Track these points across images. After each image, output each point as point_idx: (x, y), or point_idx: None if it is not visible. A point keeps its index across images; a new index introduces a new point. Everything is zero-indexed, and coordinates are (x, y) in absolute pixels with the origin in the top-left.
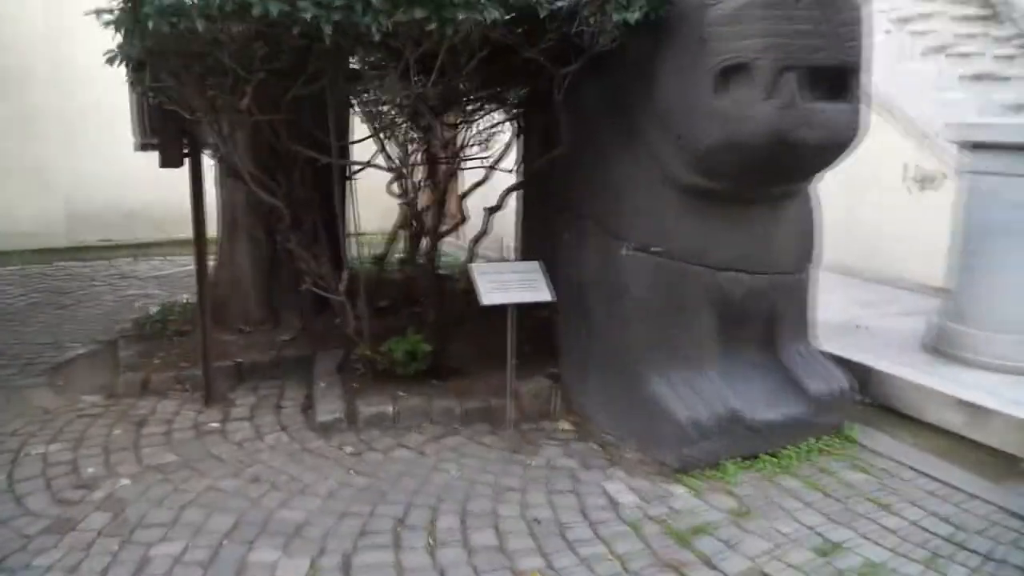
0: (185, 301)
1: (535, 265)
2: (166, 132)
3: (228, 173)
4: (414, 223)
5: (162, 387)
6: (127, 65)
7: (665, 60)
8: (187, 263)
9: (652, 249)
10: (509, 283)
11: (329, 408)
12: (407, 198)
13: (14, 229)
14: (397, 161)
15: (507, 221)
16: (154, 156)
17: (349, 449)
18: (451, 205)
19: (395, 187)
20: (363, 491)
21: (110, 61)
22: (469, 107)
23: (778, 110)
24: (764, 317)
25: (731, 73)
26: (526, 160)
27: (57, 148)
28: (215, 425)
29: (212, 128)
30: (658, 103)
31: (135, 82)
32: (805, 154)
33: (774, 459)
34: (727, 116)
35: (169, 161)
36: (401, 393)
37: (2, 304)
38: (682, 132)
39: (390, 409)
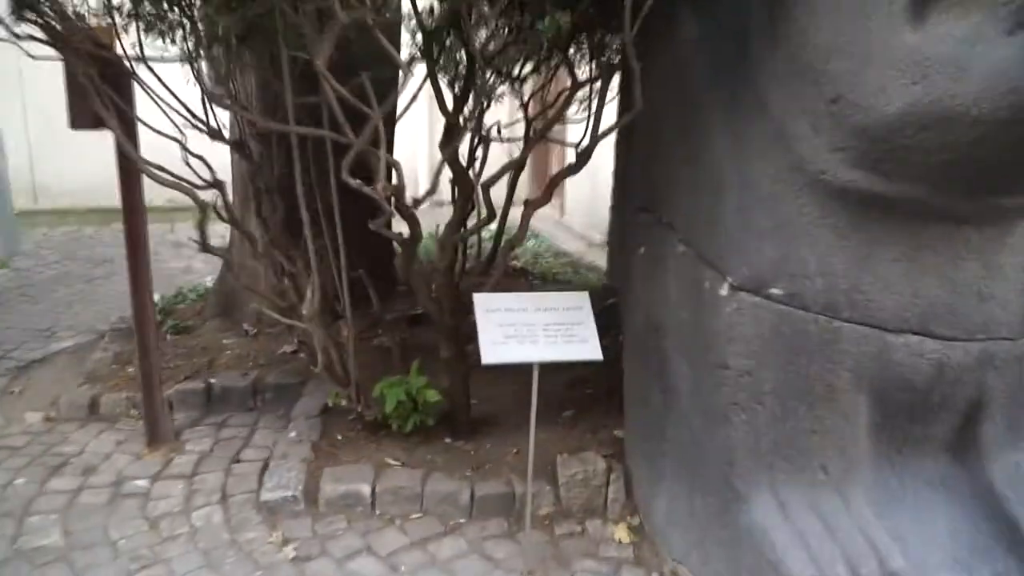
0: (207, 286)
1: (580, 298)
2: (73, 83)
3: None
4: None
5: (113, 412)
6: None
7: None
8: None
9: (770, 291)
10: (534, 328)
11: (282, 480)
12: (377, 186)
13: (76, 185)
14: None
15: None
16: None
17: (290, 552)
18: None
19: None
20: None
21: None
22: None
23: None
24: (963, 408)
25: None
26: (620, 131)
27: None
28: (141, 484)
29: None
30: (798, 43)
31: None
32: None
33: None
34: (930, 64)
35: (80, 121)
36: (391, 461)
37: (28, 274)
38: (843, 91)
39: (366, 488)
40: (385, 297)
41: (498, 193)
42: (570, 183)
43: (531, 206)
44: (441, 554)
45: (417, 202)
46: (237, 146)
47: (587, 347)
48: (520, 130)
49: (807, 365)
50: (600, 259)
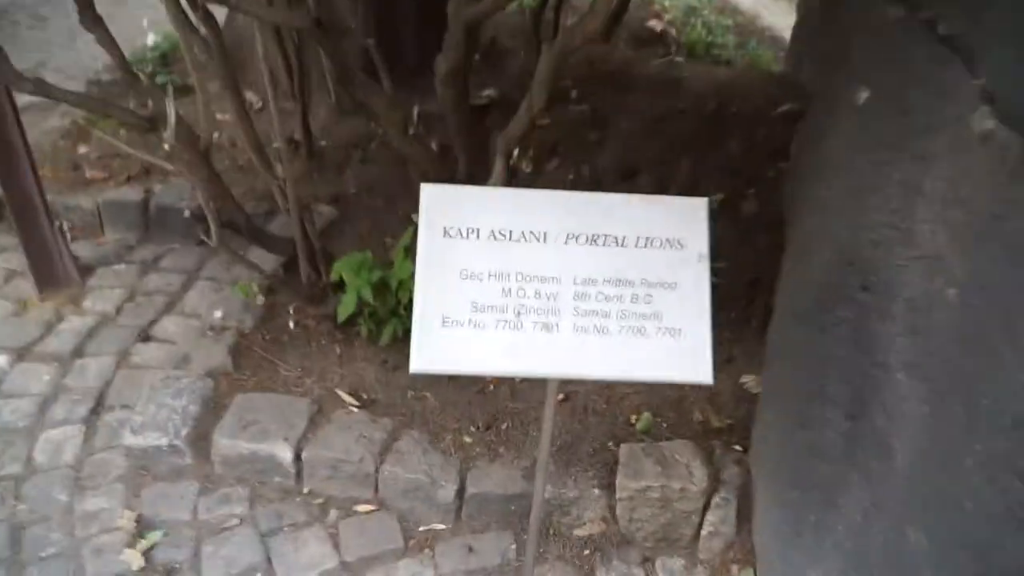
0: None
1: (687, 212)
2: None
3: None
4: None
5: None
6: None
7: None
8: None
9: None
10: (555, 287)
11: (159, 414)
12: None
13: None
14: None
15: None
16: None
17: (137, 557)
18: None
19: None
20: None
21: None
22: None
23: None
24: None
25: None
26: None
27: None
28: None
29: None
30: None
31: None
32: None
33: None
34: None
35: None
36: (345, 396)
37: None
38: None
39: (285, 452)
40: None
41: None
42: None
43: None
44: None
45: None
46: None
47: (679, 352)
48: None
49: None
50: (786, 22)
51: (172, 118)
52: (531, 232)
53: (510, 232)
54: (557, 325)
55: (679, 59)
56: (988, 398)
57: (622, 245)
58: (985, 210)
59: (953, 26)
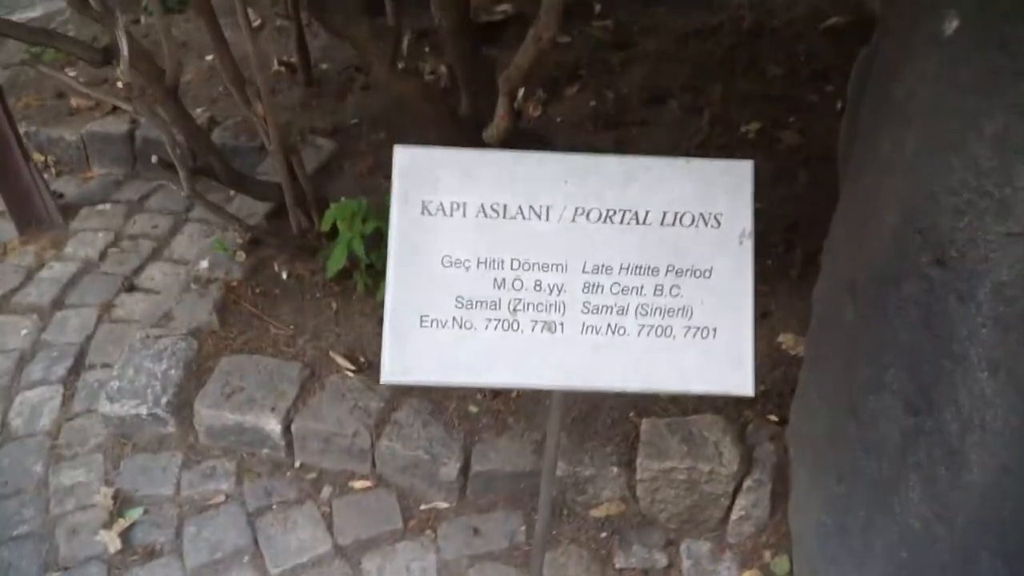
0: None
1: (727, 178)
2: None
3: None
4: None
5: None
6: None
7: None
8: None
9: None
10: (559, 276)
11: (139, 380)
12: None
13: None
14: None
15: None
16: None
17: (114, 538)
18: None
19: None
20: None
21: None
22: None
23: None
24: None
25: None
26: None
27: None
28: None
29: None
30: None
31: None
32: None
33: None
34: None
35: None
36: (341, 360)
37: None
38: None
39: (273, 425)
40: None
41: None
42: None
43: None
44: None
45: None
46: None
47: (713, 358)
48: None
49: None
50: None
51: (124, 49)
52: (530, 207)
53: (504, 207)
54: (562, 325)
55: None
56: None
57: (644, 222)
58: None
59: None
